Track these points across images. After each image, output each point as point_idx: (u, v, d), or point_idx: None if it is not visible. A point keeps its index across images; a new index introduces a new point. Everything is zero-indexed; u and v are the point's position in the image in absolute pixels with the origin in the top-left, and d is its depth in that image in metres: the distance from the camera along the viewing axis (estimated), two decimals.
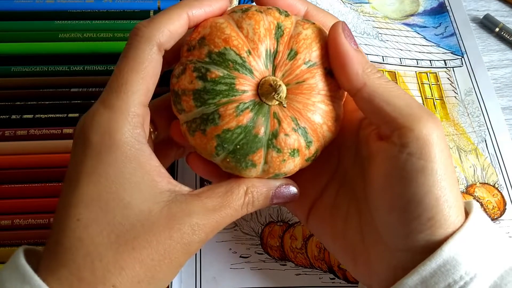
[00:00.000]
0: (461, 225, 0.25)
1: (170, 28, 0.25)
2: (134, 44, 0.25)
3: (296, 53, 0.26)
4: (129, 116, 0.24)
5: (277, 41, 0.25)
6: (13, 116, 0.40)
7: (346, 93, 0.28)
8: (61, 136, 0.39)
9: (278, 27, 0.26)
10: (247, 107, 0.25)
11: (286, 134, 0.26)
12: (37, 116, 0.40)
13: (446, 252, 0.24)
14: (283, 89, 0.25)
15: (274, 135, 0.25)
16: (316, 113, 0.26)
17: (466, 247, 0.24)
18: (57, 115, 0.40)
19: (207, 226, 0.25)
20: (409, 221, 0.25)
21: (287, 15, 0.26)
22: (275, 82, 0.25)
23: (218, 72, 0.25)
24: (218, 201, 0.26)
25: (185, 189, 0.26)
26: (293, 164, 0.27)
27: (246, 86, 0.25)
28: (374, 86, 0.26)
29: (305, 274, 0.35)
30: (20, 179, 0.37)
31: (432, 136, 0.24)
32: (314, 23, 0.27)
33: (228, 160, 0.26)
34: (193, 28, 0.27)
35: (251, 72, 0.25)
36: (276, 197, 0.28)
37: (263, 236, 0.37)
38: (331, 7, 0.50)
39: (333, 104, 0.27)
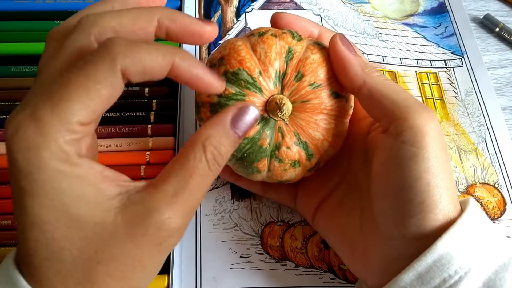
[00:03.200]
0: (456, 220, 0.25)
1: (147, 64, 0.22)
2: (98, 60, 0.21)
3: (302, 76, 0.28)
4: (60, 133, 0.21)
5: (287, 64, 0.28)
6: None
7: (351, 109, 0.31)
8: None
9: (289, 51, 0.28)
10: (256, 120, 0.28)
11: (288, 147, 0.28)
12: None
13: (441, 247, 0.24)
14: (287, 108, 0.28)
15: (277, 147, 0.28)
16: (317, 130, 0.29)
17: (461, 242, 0.24)
18: None
19: (174, 217, 0.22)
20: (401, 206, 0.26)
21: (299, 40, 0.29)
22: (280, 101, 0.28)
23: (231, 89, 0.28)
24: (177, 180, 0.22)
25: (140, 184, 0.23)
26: (294, 174, 0.30)
27: (256, 104, 0.28)
28: (373, 83, 0.27)
29: (305, 274, 0.35)
30: None
31: (425, 126, 0.26)
32: (324, 48, 0.30)
33: (237, 165, 0.29)
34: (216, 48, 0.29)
35: (260, 90, 0.28)
36: (238, 127, 0.24)
37: (263, 236, 0.37)
38: (331, 7, 0.50)
39: (335, 122, 0.29)
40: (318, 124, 0.29)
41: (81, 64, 0.21)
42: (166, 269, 0.35)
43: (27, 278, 0.22)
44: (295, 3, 0.50)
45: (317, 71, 0.28)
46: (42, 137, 0.21)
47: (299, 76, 0.28)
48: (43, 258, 0.22)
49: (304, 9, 0.49)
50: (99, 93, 0.21)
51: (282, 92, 0.28)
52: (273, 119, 0.28)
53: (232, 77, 0.28)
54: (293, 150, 0.29)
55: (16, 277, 0.22)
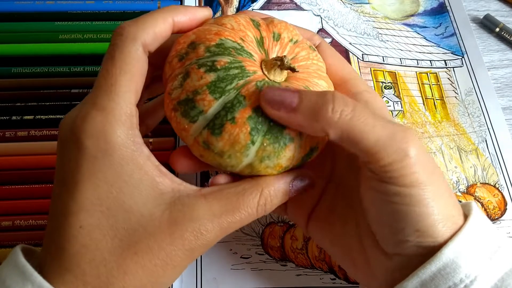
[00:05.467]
0: (461, 228, 0.24)
1: (155, 30, 0.25)
2: (119, 44, 0.24)
3: (279, 35, 0.27)
4: (122, 117, 0.23)
5: (258, 30, 0.26)
6: (14, 117, 0.40)
7: None
8: None
9: (253, 20, 0.27)
10: (264, 84, 0.25)
11: None
12: (37, 117, 0.40)
13: (446, 255, 0.23)
14: (287, 56, 0.25)
15: None
16: (320, 79, 0.27)
17: (466, 249, 0.24)
18: (58, 116, 0.40)
19: (212, 232, 0.24)
20: (396, 232, 0.25)
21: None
22: (275, 55, 0.25)
23: (225, 59, 0.24)
24: (227, 204, 0.24)
25: (191, 188, 0.25)
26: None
27: (254, 67, 0.25)
28: (337, 134, 0.24)
29: (306, 274, 0.35)
30: (20, 180, 0.37)
31: (404, 160, 0.24)
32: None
33: (265, 144, 0.24)
34: (173, 45, 0.26)
35: (251, 55, 0.25)
36: (295, 190, 0.27)
37: (263, 237, 0.37)
38: (331, 8, 0.50)
39: (326, 74, 0.28)
40: (317, 73, 0.27)
41: (110, 52, 0.24)
42: None
43: (52, 269, 0.22)
44: (295, 3, 0.50)
45: (289, 28, 0.27)
46: (109, 124, 0.23)
47: (277, 36, 0.27)
48: (80, 245, 0.22)
49: (304, 10, 0.49)
50: (134, 71, 0.24)
51: (267, 57, 0.26)
52: (276, 82, 0.25)
53: (217, 49, 0.24)
54: None
55: (26, 266, 0.22)
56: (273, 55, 0.26)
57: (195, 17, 0.27)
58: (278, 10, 0.49)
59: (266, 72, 0.25)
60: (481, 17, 0.50)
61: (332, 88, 0.28)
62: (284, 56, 0.25)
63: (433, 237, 0.24)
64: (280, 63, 0.25)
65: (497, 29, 0.49)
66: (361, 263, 0.28)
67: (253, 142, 0.24)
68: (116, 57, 0.24)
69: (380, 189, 0.25)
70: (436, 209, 0.24)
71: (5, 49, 0.43)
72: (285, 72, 0.26)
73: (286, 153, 0.25)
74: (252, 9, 0.49)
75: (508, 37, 0.48)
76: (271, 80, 0.25)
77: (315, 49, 0.29)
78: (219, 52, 0.24)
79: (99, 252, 0.22)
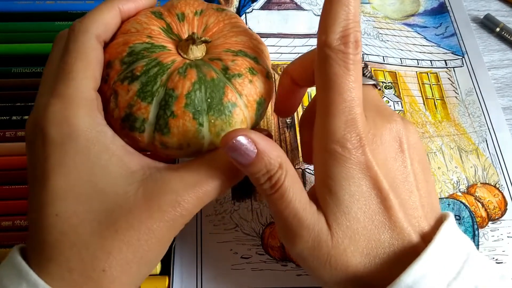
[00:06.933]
0: (420, 254, 0.23)
1: (105, 20, 0.26)
2: (72, 38, 0.25)
3: (182, 13, 0.28)
4: (82, 101, 0.24)
5: (162, 19, 0.27)
6: (14, 117, 0.40)
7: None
8: None
9: (154, 12, 0.28)
10: (187, 67, 0.25)
11: (233, 61, 0.26)
12: None
13: (405, 282, 0.22)
14: (196, 32, 0.26)
15: (225, 68, 0.26)
16: (238, 35, 0.28)
17: (424, 276, 0.22)
18: None
19: (190, 202, 0.24)
20: None
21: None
22: (187, 35, 0.27)
23: (141, 63, 0.25)
24: (197, 173, 0.24)
25: (161, 164, 0.25)
26: (261, 82, 0.27)
27: (171, 57, 0.26)
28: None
29: (306, 274, 0.35)
30: (20, 180, 0.37)
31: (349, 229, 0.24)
32: None
33: (213, 121, 0.25)
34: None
35: (164, 47, 0.26)
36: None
37: (264, 237, 0.37)
38: None
39: (241, 26, 0.29)
40: (232, 31, 0.28)
41: (65, 46, 0.25)
42: (167, 270, 0.35)
43: (36, 262, 0.22)
44: (296, 3, 0.50)
45: (190, 3, 0.28)
46: (70, 109, 0.23)
47: (181, 16, 0.28)
48: (58, 233, 0.22)
49: (304, 10, 0.49)
50: (90, 58, 0.25)
51: (181, 40, 0.27)
52: (197, 59, 0.26)
53: (130, 57, 0.25)
54: (239, 60, 0.26)
55: (22, 265, 0.22)
56: (185, 35, 0.27)
57: (141, 3, 0.28)
58: (278, 10, 0.49)
59: (185, 56, 0.26)
60: (482, 17, 0.50)
61: (254, 42, 0.28)
62: (193, 32, 0.26)
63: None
64: (192, 41, 0.25)
65: (498, 29, 0.49)
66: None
67: (201, 124, 0.25)
68: (70, 48, 0.25)
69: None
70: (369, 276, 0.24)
71: (5, 49, 0.43)
72: (202, 47, 0.27)
73: (236, 118, 0.25)
74: (252, 9, 0.49)
75: (509, 37, 0.48)
76: (192, 60, 0.26)
77: (224, 8, 0.29)
78: (133, 60, 0.25)
79: (79, 237, 0.22)
